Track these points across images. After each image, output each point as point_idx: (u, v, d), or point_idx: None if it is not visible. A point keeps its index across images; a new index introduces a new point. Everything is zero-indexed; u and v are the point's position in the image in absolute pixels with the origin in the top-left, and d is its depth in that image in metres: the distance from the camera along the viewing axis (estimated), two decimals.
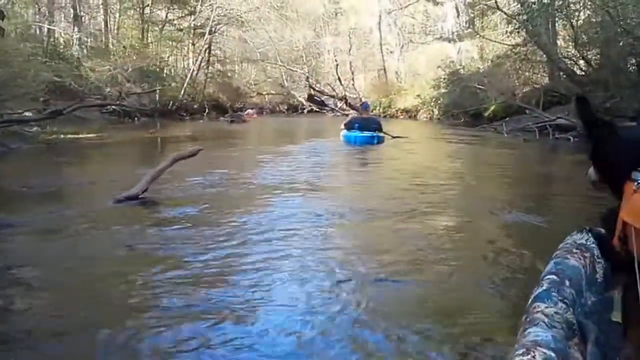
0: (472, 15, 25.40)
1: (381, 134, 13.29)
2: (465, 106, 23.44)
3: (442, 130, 20.15)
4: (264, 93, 42.79)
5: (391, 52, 37.41)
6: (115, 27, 33.52)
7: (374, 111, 34.98)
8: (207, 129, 22.89)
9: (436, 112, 29.07)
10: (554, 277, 1.30)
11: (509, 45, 20.66)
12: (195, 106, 36.98)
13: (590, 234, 1.41)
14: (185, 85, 35.19)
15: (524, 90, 21.62)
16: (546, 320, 1.11)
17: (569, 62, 18.37)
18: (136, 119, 26.44)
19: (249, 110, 39.90)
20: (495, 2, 17.74)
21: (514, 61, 20.60)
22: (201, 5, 33.76)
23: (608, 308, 1.22)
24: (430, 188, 7.63)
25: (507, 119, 19.35)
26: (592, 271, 1.33)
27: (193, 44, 37.78)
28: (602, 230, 1.37)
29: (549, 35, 18.66)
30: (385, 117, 33.79)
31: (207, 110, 36.16)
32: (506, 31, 21.41)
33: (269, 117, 38.84)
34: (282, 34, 37.90)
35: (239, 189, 7.36)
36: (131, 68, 28.51)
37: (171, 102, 33.89)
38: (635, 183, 1.19)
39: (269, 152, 12.20)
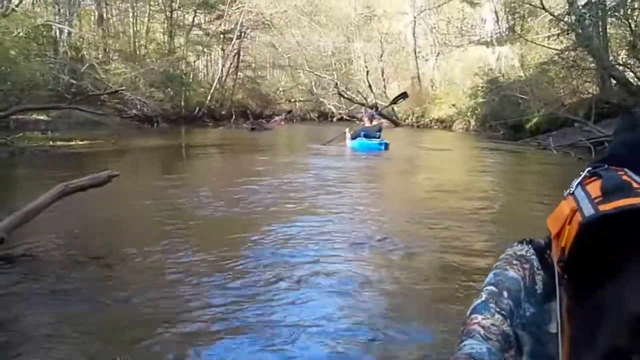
0: (513, 18, 22.87)
1: (384, 140, 13.78)
2: (505, 117, 21.17)
3: (480, 144, 17.96)
4: (292, 100, 41.08)
5: (426, 60, 35.21)
6: (144, 30, 32.27)
7: (406, 121, 33.01)
8: (220, 137, 21.30)
9: (473, 122, 26.80)
10: (493, 288, 1.37)
11: (555, 50, 18.23)
12: (223, 112, 35.64)
13: (530, 245, 1.45)
14: (212, 91, 33.82)
15: (570, 101, 19.30)
16: (482, 332, 1.14)
17: (623, 70, 16.04)
18: (156, 124, 25.02)
19: (277, 117, 38.32)
20: (541, 1, 15.35)
21: (561, 68, 18.20)
22: (229, 9, 32.13)
23: (546, 319, 1.28)
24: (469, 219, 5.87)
25: (554, 132, 17.03)
26: (531, 282, 1.37)
27: (223, 50, 36.36)
28: (542, 242, 1.40)
29: (599, 38, 16.33)
30: (418, 127, 31.72)
31: (234, 117, 34.68)
32: (551, 35, 19.03)
33: (297, 125, 37.08)
34: (311, 39, 36.07)
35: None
36: (153, 72, 27.20)
37: (197, 108, 32.59)
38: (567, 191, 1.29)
39: (262, 166, 10.39)
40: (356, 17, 34.03)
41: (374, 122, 15.39)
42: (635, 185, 1.27)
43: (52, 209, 4.52)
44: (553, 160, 12.08)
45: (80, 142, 13.00)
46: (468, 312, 1.22)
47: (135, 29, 31.65)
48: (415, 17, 33.12)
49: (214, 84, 34.44)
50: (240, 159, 13.02)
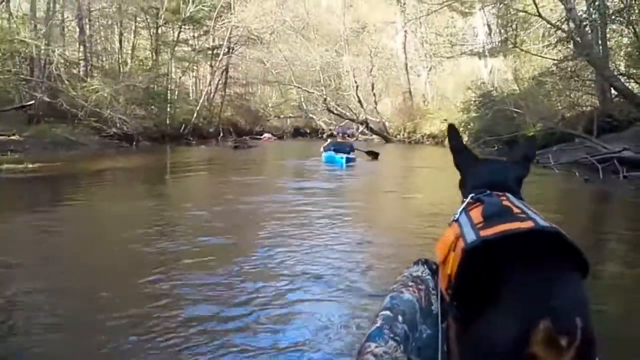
0: (506, 30, 21.53)
1: (352, 155, 13.93)
2: (499, 132, 19.86)
3: None
4: (281, 116, 39.85)
5: (418, 75, 34.05)
6: (129, 47, 31.01)
7: (397, 136, 31.74)
8: (199, 156, 19.83)
9: (466, 138, 25.47)
10: (388, 312, 1.43)
11: (553, 60, 16.85)
12: (210, 130, 34.29)
13: (425, 266, 1.60)
14: (198, 108, 32.47)
15: (569, 115, 18.04)
16: None
17: (625, 80, 14.74)
18: (135, 143, 23.60)
19: (266, 134, 37.20)
20: (536, 7, 13.94)
21: (559, 79, 16.84)
22: (215, 24, 30.88)
23: (443, 340, 1.32)
24: None
25: (553, 148, 15.64)
26: (427, 303, 1.48)
27: (211, 66, 35.07)
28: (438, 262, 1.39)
29: (599, 47, 15.05)
30: (410, 142, 30.42)
31: (221, 134, 33.34)
32: (549, 44, 17.74)
33: (287, 142, 35.81)
34: (299, 54, 34.88)
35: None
36: (134, 89, 25.86)
37: (183, 126, 31.22)
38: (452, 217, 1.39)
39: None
40: (345, 31, 32.83)
41: (347, 139, 15.88)
42: (515, 210, 1.39)
43: None
44: (553, 180, 10.71)
45: (30, 166, 11.48)
46: (363, 340, 1.26)
47: (120, 45, 30.43)
48: (405, 30, 31.99)
49: (201, 101, 33.07)
50: (211, 180, 11.62)
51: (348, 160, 13.41)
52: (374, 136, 32.68)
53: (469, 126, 24.90)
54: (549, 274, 1.28)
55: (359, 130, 33.46)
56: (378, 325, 1.35)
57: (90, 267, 4.05)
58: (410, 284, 1.59)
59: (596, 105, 16.43)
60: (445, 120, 27.86)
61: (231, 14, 30.76)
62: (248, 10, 30.40)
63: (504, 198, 1.54)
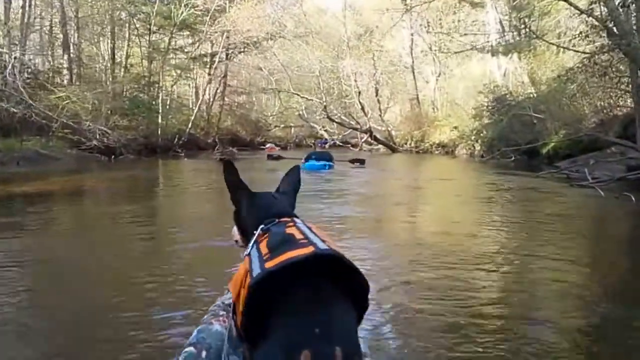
0: (524, 19, 18.43)
1: (331, 163, 15.53)
2: (515, 140, 17.06)
3: (487, 174, 13.72)
4: (282, 126, 37.20)
5: (427, 81, 31.30)
6: (118, 55, 28.71)
7: (404, 146, 28.96)
8: (179, 170, 17.32)
9: (478, 147, 22.66)
10: (192, 349, 1.42)
11: (584, 53, 13.72)
12: (208, 141, 31.76)
13: None
14: (193, 117, 29.96)
15: (598, 119, 15.20)
16: None
17: None
18: (113, 156, 21.07)
19: (269, 145, 34.58)
20: None
21: (590, 76, 13.84)
22: (209, 29, 28.35)
23: None
24: None
25: (591, 161, 12.69)
26: (237, 331, 1.33)
27: (209, 74, 32.55)
28: None
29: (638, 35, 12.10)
30: (418, 152, 27.59)
31: (217, 145, 30.71)
32: (574, 36, 14.73)
33: (290, 152, 33.09)
34: (297, 59, 32.26)
35: None
36: (118, 98, 23.50)
37: (177, 137, 28.74)
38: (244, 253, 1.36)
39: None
40: (346, 33, 30.06)
41: (325, 149, 17.11)
42: (298, 236, 1.37)
43: None
44: (602, 206, 7.82)
45: None
46: None
47: (111, 53, 28.09)
48: (412, 34, 29.29)
49: (196, 110, 30.57)
50: (175, 202, 8.93)
51: (330, 166, 15.22)
52: (380, 146, 29.88)
53: (481, 134, 22.07)
54: (319, 302, 1.25)
55: (363, 140, 30.63)
56: None
57: None
58: (222, 313, 1.51)
59: (632, 106, 13.42)
60: (456, 127, 25.10)
61: (226, 18, 28.16)
62: (243, 14, 27.80)
63: (292, 224, 1.51)
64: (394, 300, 3.23)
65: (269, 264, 1.25)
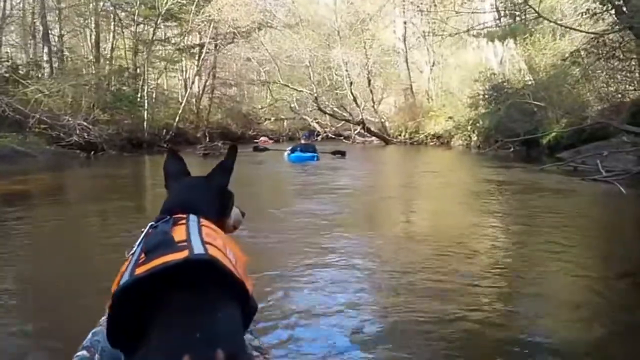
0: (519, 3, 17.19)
1: (317, 154, 15.39)
2: (515, 130, 15.98)
3: (485, 168, 12.66)
4: (272, 119, 36.00)
5: (421, 71, 30.12)
6: (103, 47, 27.49)
7: (398, 137, 27.83)
8: (145, 168, 16.43)
9: (474, 138, 21.57)
10: (85, 353, 1.35)
11: (592, 34, 12.43)
12: (198, 135, 30.59)
13: None
14: (180, 111, 28.81)
15: (600, 106, 14.12)
16: None
17: None
18: (92, 154, 19.92)
19: (262, 138, 33.45)
20: None
21: (597, 59, 12.65)
22: (194, 17, 27.14)
23: None
24: None
25: (580, 148, 11.68)
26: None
27: (199, 66, 31.31)
28: None
29: None
30: (412, 144, 26.46)
31: (207, 139, 29.49)
32: (580, 15, 13.50)
33: (282, 145, 31.97)
34: (286, 49, 31.01)
35: None
36: (98, 91, 22.35)
37: (165, 131, 27.63)
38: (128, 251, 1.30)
39: None
40: (337, 21, 28.75)
41: (308, 141, 16.87)
42: (179, 237, 1.29)
43: None
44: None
45: None
46: None
47: (95, 44, 26.85)
48: (405, 21, 28.12)
49: (183, 103, 29.41)
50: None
51: (317, 158, 15.22)
52: (373, 138, 28.75)
53: (477, 124, 20.97)
54: (196, 306, 1.21)
55: (356, 132, 29.49)
56: None
57: None
58: None
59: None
60: (451, 118, 24.00)
61: (211, 6, 26.96)
62: (229, 1, 26.60)
63: (183, 222, 1.43)
64: (384, 300, 3.15)
65: (139, 270, 1.19)
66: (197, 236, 1.32)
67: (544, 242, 4.53)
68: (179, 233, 1.33)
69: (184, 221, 1.39)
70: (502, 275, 3.63)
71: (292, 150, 16.14)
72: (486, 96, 20.18)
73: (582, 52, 12.90)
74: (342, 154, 16.88)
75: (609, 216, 6.18)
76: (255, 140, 32.92)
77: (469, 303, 3.00)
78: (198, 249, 1.26)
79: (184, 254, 1.22)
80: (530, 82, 18.41)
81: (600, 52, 12.15)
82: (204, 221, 1.46)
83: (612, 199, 7.03)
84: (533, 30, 17.47)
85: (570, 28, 14.32)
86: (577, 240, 4.67)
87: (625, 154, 10.12)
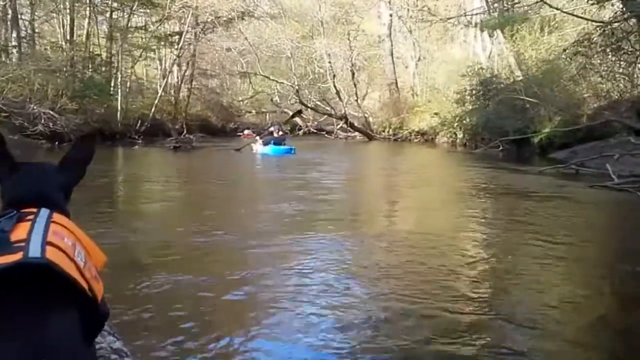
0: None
1: (293, 147, 15.68)
2: (504, 128, 14.96)
3: (472, 169, 11.56)
4: (254, 112, 34.71)
5: (406, 66, 29.06)
6: (77, 34, 25.99)
7: (382, 133, 26.74)
8: (126, 162, 15.22)
9: (460, 135, 20.48)
10: None
11: (596, 22, 11.26)
12: (176, 126, 29.20)
13: None
14: (157, 101, 27.43)
15: (598, 104, 13.14)
16: None
17: None
18: (57, 143, 18.60)
19: (246, 131, 32.15)
20: None
21: (599, 50, 11.53)
22: (171, 4, 25.76)
23: None
24: None
25: (575, 148, 10.64)
26: None
27: (178, 56, 29.87)
28: None
29: None
30: (395, 140, 25.38)
31: (185, 132, 28.15)
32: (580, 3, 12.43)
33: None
34: (267, 39, 29.67)
35: None
36: (64, 78, 20.93)
37: (139, 122, 26.25)
38: None
39: None
40: (320, 11, 27.47)
41: (280, 133, 17.22)
42: (18, 237, 1.15)
43: None
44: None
45: None
46: None
47: (66, 30, 25.34)
48: (390, 14, 26.97)
49: (159, 94, 28.02)
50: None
51: (294, 151, 15.39)
52: (356, 133, 27.63)
53: (464, 121, 19.89)
54: (22, 312, 1.08)
55: (338, 127, 28.31)
56: None
57: None
58: None
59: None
60: (436, 114, 22.92)
61: None
62: None
63: (30, 218, 1.22)
64: (372, 303, 3.09)
65: None
66: (39, 235, 1.14)
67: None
68: (20, 231, 1.15)
69: (31, 216, 1.20)
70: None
71: (265, 143, 16.17)
72: (474, 92, 19.16)
73: (586, 43, 11.76)
74: (299, 112, 16.95)
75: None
76: (238, 134, 31.78)
77: (454, 305, 2.97)
78: (34, 251, 1.10)
79: (17, 256, 1.08)
80: (520, 78, 17.39)
81: (607, 42, 11.00)
82: (57, 216, 1.24)
83: (623, 207, 5.96)
84: (531, 18, 16.29)
85: (576, 16, 13.16)
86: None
87: (630, 156, 9.09)
